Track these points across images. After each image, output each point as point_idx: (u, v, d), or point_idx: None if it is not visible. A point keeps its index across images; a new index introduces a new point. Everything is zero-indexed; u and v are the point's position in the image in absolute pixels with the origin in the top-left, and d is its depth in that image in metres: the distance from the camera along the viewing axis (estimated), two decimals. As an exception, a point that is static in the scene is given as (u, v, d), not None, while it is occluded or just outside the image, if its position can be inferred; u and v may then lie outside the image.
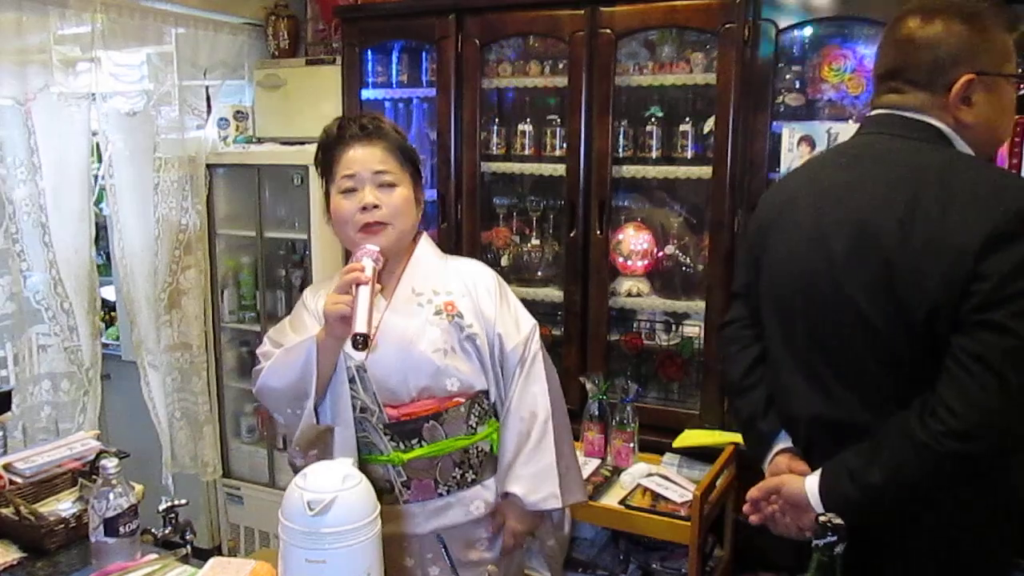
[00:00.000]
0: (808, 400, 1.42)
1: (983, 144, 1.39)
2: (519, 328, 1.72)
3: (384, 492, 1.64)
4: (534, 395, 1.69)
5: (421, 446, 1.64)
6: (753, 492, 1.49)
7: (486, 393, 1.71)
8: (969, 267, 1.21)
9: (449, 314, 1.66)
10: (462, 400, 1.67)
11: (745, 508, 1.52)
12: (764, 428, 1.53)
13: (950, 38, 1.32)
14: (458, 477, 1.67)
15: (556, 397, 1.73)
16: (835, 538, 1.05)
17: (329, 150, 1.67)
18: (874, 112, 1.44)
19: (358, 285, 1.48)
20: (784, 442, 1.51)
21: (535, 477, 1.66)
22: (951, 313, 1.23)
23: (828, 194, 1.40)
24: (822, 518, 1.06)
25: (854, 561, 1.30)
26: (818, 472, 1.38)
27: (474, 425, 1.68)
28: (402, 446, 1.64)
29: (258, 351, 1.72)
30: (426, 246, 1.75)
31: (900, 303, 1.27)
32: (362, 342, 1.43)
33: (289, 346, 1.62)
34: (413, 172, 1.70)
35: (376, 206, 1.61)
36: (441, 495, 1.66)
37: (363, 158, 1.63)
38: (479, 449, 1.70)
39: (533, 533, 1.78)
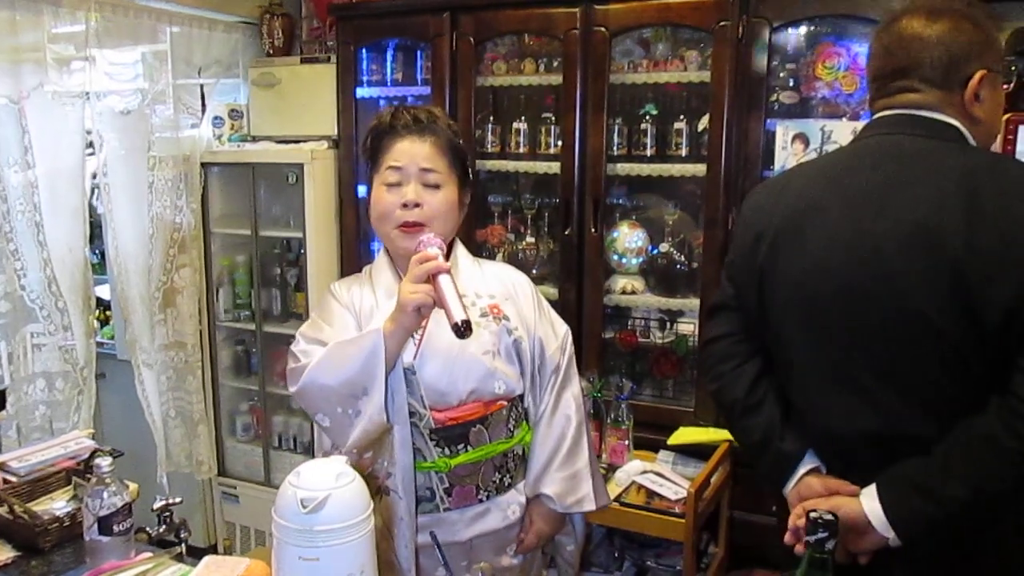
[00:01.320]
0: (854, 415, 1.33)
1: (985, 140, 1.37)
2: (556, 333, 1.71)
3: (424, 500, 1.60)
4: (568, 399, 1.69)
5: (467, 451, 1.60)
6: (796, 520, 1.34)
7: (521, 397, 1.69)
8: None
9: (496, 316, 1.63)
10: (505, 403, 1.64)
11: (787, 538, 1.37)
12: (788, 448, 1.42)
13: (960, 35, 1.30)
14: (497, 482, 1.65)
15: (582, 403, 1.73)
16: (826, 534, 1.05)
17: (379, 138, 1.61)
18: (886, 112, 1.37)
19: (437, 275, 1.42)
20: (812, 462, 1.41)
21: (571, 479, 1.65)
22: None
23: (864, 198, 1.31)
24: (813, 514, 1.06)
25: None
26: (871, 491, 1.29)
27: (512, 429, 1.66)
28: (448, 451, 1.59)
29: (294, 348, 1.60)
30: (462, 249, 1.71)
31: (971, 306, 1.20)
32: (465, 327, 1.37)
33: (344, 340, 1.53)
34: (461, 174, 1.63)
35: (417, 204, 1.55)
36: (481, 501, 1.63)
37: (412, 151, 1.56)
38: (515, 453, 1.67)
39: (554, 537, 1.75)
